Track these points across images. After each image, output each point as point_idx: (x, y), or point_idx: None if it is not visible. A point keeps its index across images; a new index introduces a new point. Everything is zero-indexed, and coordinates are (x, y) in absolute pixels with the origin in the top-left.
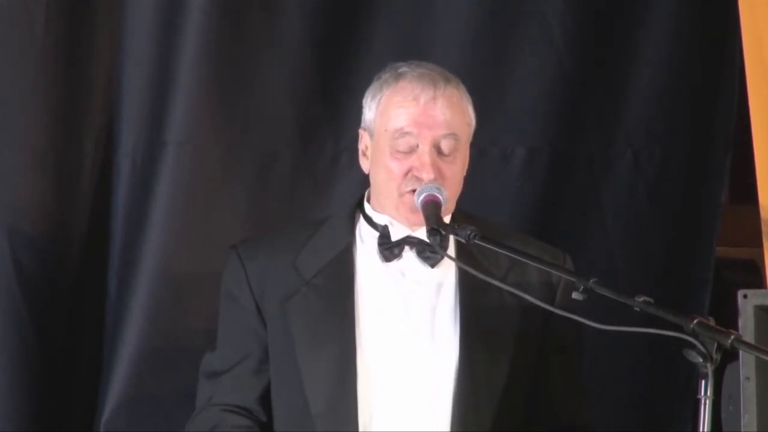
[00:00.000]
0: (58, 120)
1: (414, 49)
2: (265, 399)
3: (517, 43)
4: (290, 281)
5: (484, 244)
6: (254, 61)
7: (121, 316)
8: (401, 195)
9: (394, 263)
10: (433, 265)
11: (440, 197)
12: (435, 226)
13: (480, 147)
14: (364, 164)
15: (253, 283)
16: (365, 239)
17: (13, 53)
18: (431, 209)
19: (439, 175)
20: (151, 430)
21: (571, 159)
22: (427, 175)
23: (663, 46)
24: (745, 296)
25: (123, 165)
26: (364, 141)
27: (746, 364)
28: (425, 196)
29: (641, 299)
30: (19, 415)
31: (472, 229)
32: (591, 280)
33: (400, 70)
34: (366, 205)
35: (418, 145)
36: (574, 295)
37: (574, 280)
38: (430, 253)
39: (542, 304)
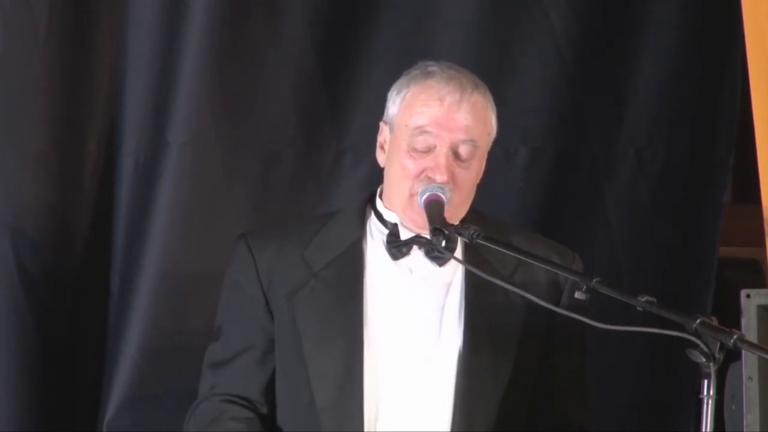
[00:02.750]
0: (61, 120)
1: (417, 48)
2: (268, 391)
3: (519, 43)
4: (299, 273)
5: (488, 244)
6: (257, 60)
7: (124, 316)
8: (411, 196)
9: (402, 260)
10: (441, 264)
11: (443, 197)
12: (438, 226)
13: None
14: (381, 157)
15: (262, 273)
16: (375, 235)
17: (16, 54)
18: (434, 209)
19: (452, 178)
20: (154, 430)
21: (574, 159)
22: (441, 176)
23: (666, 46)
24: (748, 296)
25: (125, 164)
26: (384, 134)
27: (749, 363)
28: (428, 196)
29: (644, 299)
30: (22, 414)
31: (476, 229)
32: (594, 280)
33: (429, 69)
34: (378, 201)
35: (435, 146)
36: (577, 295)
37: (577, 279)
38: (438, 253)
39: (546, 304)
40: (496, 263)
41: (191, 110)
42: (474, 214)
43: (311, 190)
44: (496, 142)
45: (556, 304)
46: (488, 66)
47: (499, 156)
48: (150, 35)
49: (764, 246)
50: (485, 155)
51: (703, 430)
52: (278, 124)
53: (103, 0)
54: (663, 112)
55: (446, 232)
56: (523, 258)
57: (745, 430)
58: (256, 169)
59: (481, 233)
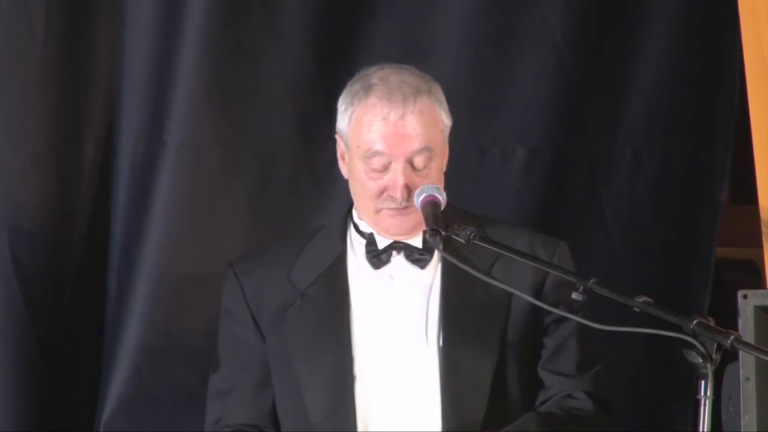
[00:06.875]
0: (59, 121)
1: (414, 49)
2: (274, 413)
3: (517, 43)
4: (286, 293)
5: (484, 245)
6: (254, 61)
7: (121, 317)
8: (378, 212)
9: (384, 268)
10: (422, 267)
11: (440, 197)
12: (434, 227)
13: (480, 147)
14: (343, 169)
15: (250, 298)
16: (356, 247)
17: (14, 54)
18: (431, 209)
19: (415, 189)
20: (151, 430)
21: (572, 159)
22: (401, 195)
23: (663, 46)
24: (745, 296)
25: (123, 165)
26: (341, 147)
27: (746, 364)
28: (425, 197)
29: (641, 299)
30: (20, 415)
31: (472, 229)
32: (591, 281)
33: (370, 81)
34: (354, 213)
35: (390, 163)
36: (574, 296)
37: (574, 281)
38: (418, 255)
39: (532, 300)
40: (474, 258)
41: (189, 111)
42: (455, 211)
43: (308, 190)
44: (494, 143)
45: (540, 286)
46: (486, 66)
47: (496, 156)
48: (147, 36)
49: (761, 247)
50: (445, 149)
51: (701, 430)
52: (276, 125)
53: (100, 1)
54: (661, 113)
55: (443, 232)
56: (522, 259)
57: (742, 430)
58: (254, 170)
59: (478, 234)
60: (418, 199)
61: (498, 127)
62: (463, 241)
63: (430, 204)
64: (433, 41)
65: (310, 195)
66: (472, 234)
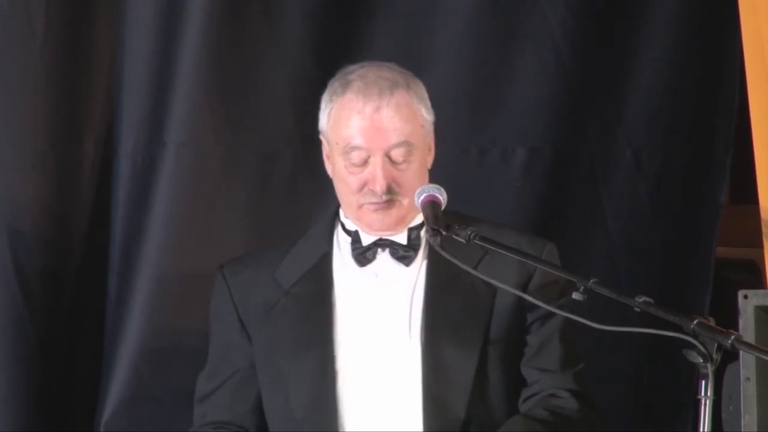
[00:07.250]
0: (59, 120)
1: (414, 49)
2: (255, 412)
3: (517, 43)
4: (271, 293)
5: (485, 245)
6: (255, 61)
7: (121, 317)
8: (360, 207)
9: (369, 266)
10: (407, 264)
11: (440, 197)
12: (434, 227)
13: (480, 147)
14: (329, 168)
15: (237, 299)
16: (342, 246)
17: (14, 54)
18: (431, 209)
19: (395, 184)
20: (152, 430)
21: (572, 159)
22: (380, 188)
23: (663, 46)
24: (745, 296)
25: (123, 165)
26: (325, 146)
27: (746, 364)
28: (425, 197)
29: (642, 299)
30: (20, 415)
31: (473, 229)
32: (591, 281)
33: (348, 78)
34: (341, 212)
35: (369, 157)
36: (575, 296)
37: (575, 280)
38: (403, 252)
39: (522, 294)
40: (461, 257)
41: (189, 111)
42: (448, 212)
43: (309, 190)
44: (494, 143)
45: (525, 286)
46: (486, 66)
47: (496, 156)
48: (147, 36)
49: (762, 247)
50: (428, 145)
51: (701, 430)
52: (276, 125)
53: (100, 1)
54: (661, 112)
55: (444, 232)
56: (522, 259)
57: (742, 430)
58: (254, 170)
59: (478, 233)
60: (419, 199)
61: (498, 127)
62: (463, 240)
63: (430, 204)
64: (433, 41)
65: (310, 195)
66: (473, 234)
